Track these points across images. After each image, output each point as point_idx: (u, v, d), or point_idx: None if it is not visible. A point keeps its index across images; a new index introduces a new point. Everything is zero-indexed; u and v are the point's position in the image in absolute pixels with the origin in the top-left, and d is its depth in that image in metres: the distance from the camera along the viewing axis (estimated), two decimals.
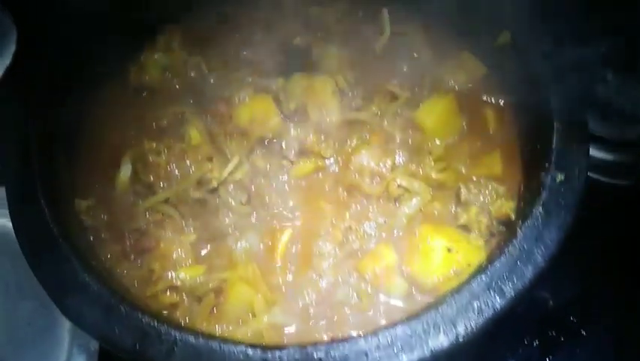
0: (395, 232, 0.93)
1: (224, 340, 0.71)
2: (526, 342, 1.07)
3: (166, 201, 0.93)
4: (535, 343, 1.07)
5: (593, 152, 1.22)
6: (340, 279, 0.88)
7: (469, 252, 0.87)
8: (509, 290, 0.73)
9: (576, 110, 0.90)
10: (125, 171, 0.99)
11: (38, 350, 0.95)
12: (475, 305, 0.72)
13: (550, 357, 1.06)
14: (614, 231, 1.16)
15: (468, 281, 0.74)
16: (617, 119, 1.24)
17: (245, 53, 1.15)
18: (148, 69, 1.12)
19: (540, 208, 0.80)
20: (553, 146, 0.86)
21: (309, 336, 0.83)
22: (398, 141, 1.02)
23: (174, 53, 1.14)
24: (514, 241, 0.77)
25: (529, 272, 0.75)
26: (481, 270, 0.77)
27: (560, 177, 0.83)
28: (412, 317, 0.71)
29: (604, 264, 1.15)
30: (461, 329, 0.71)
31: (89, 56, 1.06)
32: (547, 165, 0.84)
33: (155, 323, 0.72)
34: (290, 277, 0.88)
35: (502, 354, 1.07)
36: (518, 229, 0.79)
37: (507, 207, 0.89)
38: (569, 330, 1.08)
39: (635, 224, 1.16)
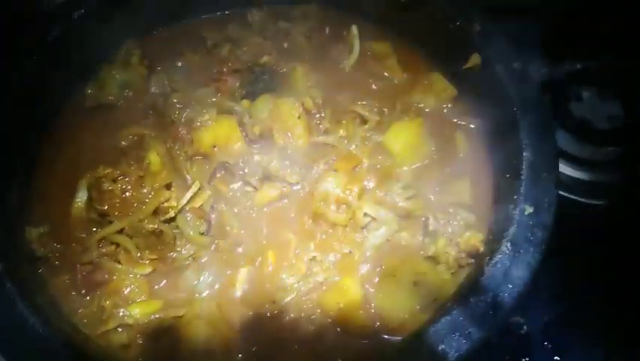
0: (361, 264, 0.89)
1: None
2: None
3: (120, 231, 0.88)
4: None
5: (568, 171, 1.22)
6: (304, 315, 0.84)
7: (436, 286, 0.84)
8: (475, 333, 0.71)
9: (546, 136, 0.88)
10: (81, 198, 0.94)
11: None
12: (440, 349, 0.69)
13: None
14: (591, 251, 1.14)
15: (433, 323, 0.71)
16: (591, 138, 1.22)
17: (209, 72, 1.11)
18: (106, 86, 1.08)
19: (508, 243, 0.78)
20: (523, 176, 0.84)
21: None
22: (366, 166, 0.99)
23: (134, 68, 1.09)
24: (481, 279, 0.75)
25: (497, 313, 0.73)
26: (446, 310, 0.74)
27: (528, 209, 0.81)
28: None
29: (581, 286, 1.12)
30: None
31: (46, 75, 1.02)
32: (515, 196, 0.82)
33: None
34: (250, 314, 0.84)
35: None
36: (485, 266, 0.76)
37: (476, 239, 0.86)
38: (543, 356, 1.05)
39: (609, 245, 1.14)
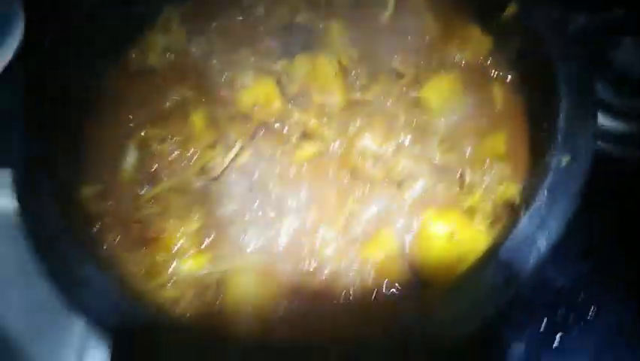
0: (398, 216, 0.92)
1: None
2: (536, 321, 1.06)
3: (170, 189, 0.93)
4: (545, 321, 1.06)
5: (605, 121, 1.20)
6: (343, 266, 0.88)
7: (473, 237, 0.86)
8: (513, 278, 0.73)
9: (584, 86, 0.87)
10: (130, 159, 0.99)
11: (54, 335, 0.98)
12: (482, 293, 0.72)
13: (561, 334, 1.05)
14: (627, 205, 1.13)
15: (471, 271, 0.74)
16: (632, 88, 1.20)
17: (247, 32, 1.13)
18: (149, 51, 1.11)
19: (544, 193, 0.78)
20: (559, 126, 0.83)
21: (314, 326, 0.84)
22: (402, 121, 1.00)
23: (174, 33, 1.13)
24: (518, 227, 0.76)
25: (532, 260, 0.74)
26: (484, 259, 0.76)
27: (565, 160, 0.81)
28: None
29: (613, 238, 1.12)
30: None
31: (89, 42, 1.05)
32: (552, 147, 0.82)
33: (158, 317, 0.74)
34: (292, 266, 0.88)
35: (507, 331, 1.06)
36: (522, 215, 0.78)
37: (512, 190, 0.87)
38: (579, 307, 1.06)
39: None
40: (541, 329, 1.04)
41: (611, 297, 1.06)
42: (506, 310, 1.05)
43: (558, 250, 1.05)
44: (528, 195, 0.83)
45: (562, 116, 0.84)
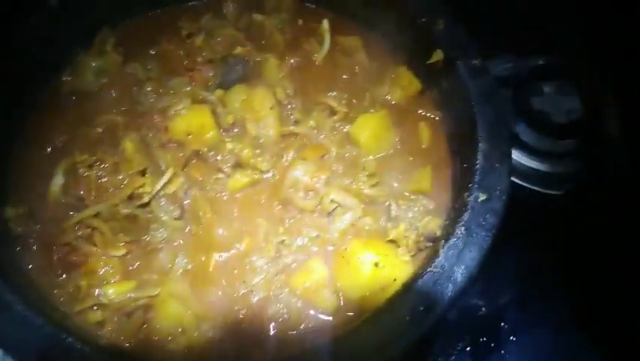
0: (327, 246, 0.95)
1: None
2: (459, 348, 1.10)
3: (96, 215, 0.91)
4: (468, 349, 1.11)
5: (528, 162, 1.29)
6: (272, 294, 0.89)
7: (396, 267, 0.90)
8: (432, 308, 0.77)
9: (501, 130, 0.94)
10: (57, 183, 0.97)
11: None
12: (396, 324, 0.75)
13: None
14: (549, 239, 1.21)
15: (390, 302, 0.77)
16: (551, 131, 1.29)
17: (184, 60, 1.14)
18: (82, 73, 1.10)
19: (462, 228, 0.83)
20: (477, 166, 0.89)
21: (240, 351, 0.84)
22: (334, 155, 1.04)
23: (109, 56, 1.12)
24: (437, 260, 0.80)
25: (449, 291, 0.78)
26: (405, 289, 0.79)
27: (482, 197, 0.86)
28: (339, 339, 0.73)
29: (536, 271, 1.19)
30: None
31: (22, 61, 1.04)
32: (470, 184, 0.88)
33: (80, 344, 0.72)
34: (221, 293, 0.89)
35: (436, 358, 1.10)
36: (441, 248, 0.82)
37: (434, 223, 0.92)
38: (500, 336, 1.12)
39: (566, 232, 1.21)
40: (464, 357, 1.09)
41: (530, 326, 1.13)
42: (432, 335, 1.10)
43: (482, 279, 1.13)
44: (448, 229, 0.88)
45: (480, 157, 0.90)
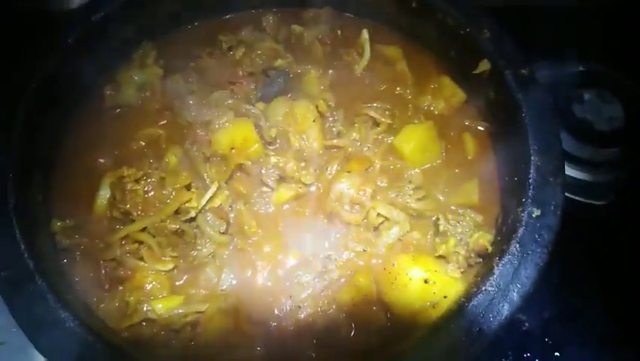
0: (374, 261, 0.93)
1: None
2: None
3: (143, 229, 0.91)
4: None
5: (570, 172, 1.25)
6: (319, 310, 0.88)
7: (446, 283, 0.88)
8: (487, 328, 0.74)
9: (553, 143, 0.91)
10: (103, 196, 0.98)
11: None
12: (454, 345, 0.73)
13: None
14: (591, 251, 1.18)
15: (446, 320, 0.75)
16: (592, 139, 1.26)
17: (225, 73, 1.14)
18: (124, 87, 1.11)
19: (517, 245, 0.81)
20: (530, 180, 0.87)
21: None
22: (378, 167, 1.02)
23: (150, 69, 1.12)
24: (491, 278, 0.78)
25: (505, 310, 0.76)
26: (458, 308, 0.77)
27: (536, 212, 0.84)
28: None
29: (580, 284, 1.16)
30: None
31: (65, 77, 1.05)
32: (523, 199, 0.85)
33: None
34: (268, 309, 0.88)
35: None
36: (495, 265, 0.80)
37: (485, 239, 0.90)
38: (544, 352, 1.08)
39: (611, 243, 1.18)
40: None
41: (574, 341, 1.10)
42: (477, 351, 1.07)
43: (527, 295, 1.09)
44: (500, 246, 0.86)
45: (532, 170, 0.88)
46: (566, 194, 1.21)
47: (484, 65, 1.03)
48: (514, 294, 0.78)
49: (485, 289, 0.78)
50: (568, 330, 1.11)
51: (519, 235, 0.82)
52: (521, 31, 1.41)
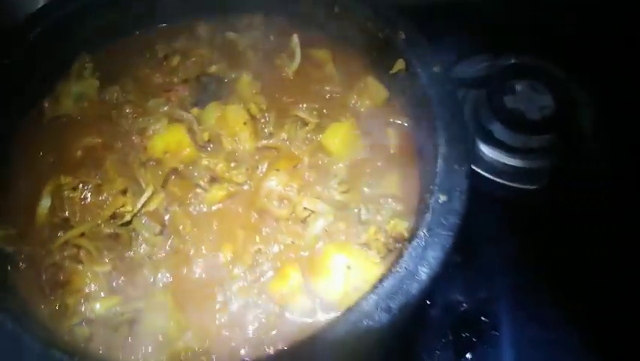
0: (302, 252, 1.00)
1: None
2: (442, 343, 1.15)
3: (82, 235, 0.97)
4: (451, 344, 1.15)
5: (505, 159, 1.35)
6: (251, 301, 0.94)
7: (367, 269, 0.95)
8: (396, 307, 0.81)
9: (459, 135, 0.99)
10: (44, 205, 1.02)
11: None
12: (365, 323, 0.80)
13: (466, 357, 1.14)
14: (526, 233, 1.27)
15: (359, 300, 0.82)
16: (524, 128, 1.35)
17: (160, 81, 1.20)
18: (63, 99, 1.16)
19: (424, 229, 0.88)
20: (438, 169, 0.95)
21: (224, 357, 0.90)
22: (307, 164, 1.09)
23: (87, 81, 1.17)
24: (401, 260, 0.86)
25: (414, 289, 0.83)
26: (372, 288, 0.84)
27: (442, 198, 0.91)
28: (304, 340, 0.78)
29: (514, 265, 1.24)
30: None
31: (10, 88, 1.10)
32: (431, 186, 0.93)
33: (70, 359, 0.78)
34: (201, 303, 0.94)
35: (420, 354, 1.14)
36: (404, 249, 0.87)
37: (401, 226, 0.97)
38: (482, 331, 1.16)
39: (542, 227, 1.27)
40: (447, 352, 1.14)
41: (511, 320, 1.18)
42: (415, 331, 1.16)
43: (462, 276, 1.18)
44: (413, 231, 0.93)
45: (440, 160, 0.95)
46: (502, 180, 1.33)
47: (400, 65, 1.11)
48: (423, 274, 0.85)
49: (396, 271, 0.85)
50: (504, 310, 1.19)
51: (427, 219, 0.89)
52: (459, 26, 1.52)
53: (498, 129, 1.36)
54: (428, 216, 0.90)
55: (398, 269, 0.85)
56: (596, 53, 1.47)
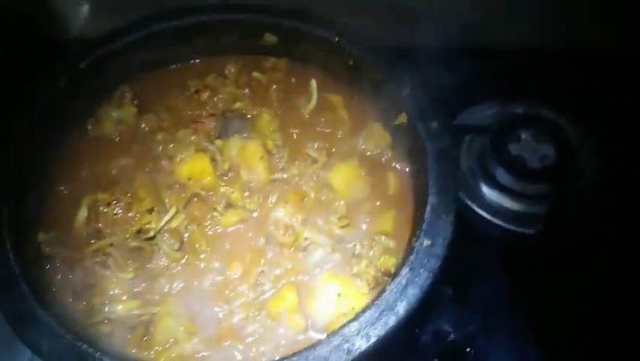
0: (300, 277, 1.13)
1: None
2: None
3: (111, 245, 1.12)
4: None
5: (506, 203, 1.44)
6: (250, 315, 1.07)
7: (356, 297, 1.08)
8: (374, 335, 0.94)
9: (448, 186, 1.11)
10: (81, 215, 1.16)
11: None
12: (345, 347, 0.93)
13: None
14: (516, 274, 1.35)
15: (342, 327, 0.95)
16: (525, 175, 1.43)
17: (191, 113, 1.35)
18: (104, 121, 1.31)
19: (407, 268, 1.01)
20: (426, 216, 1.07)
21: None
22: (312, 198, 1.22)
23: (126, 108, 1.32)
24: (383, 294, 0.98)
25: (391, 321, 0.96)
26: (355, 316, 0.97)
27: (426, 242, 1.04)
28: (292, 355, 0.91)
29: (504, 303, 1.32)
30: None
31: (59, 110, 1.26)
32: (418, 231, 1.06)
33: (92, 351, 0.92)
34: (208, 312, 1.07)
35: None
36: (387, 285, 1.00)
37: (389, 262, 1.09)
38: (466, 360, 1.25)
39: (535, 270, 1.36)
40: None
41: (495, 351, 1.27)
42: (403, 356, 1.25)
43: (454, 310, 1.28)
44: (399, 268, 1.06)
45: (428, 208, 1.08)
46: (500, 222, 1.43)
47: (402, 118, 1.24)
48: (401, 309, 0.97)
49: (378, 303, 0.98)
50: (488, 343, 1.28)
51: (410, 260, 1.02)
52: (470, 71, 1.63)
53: (500, 174, 1.44)
54: (412, 258, 1.02)
55: (379, 302, 0.97)
56: (603, 102, 1.56)
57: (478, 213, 1.44)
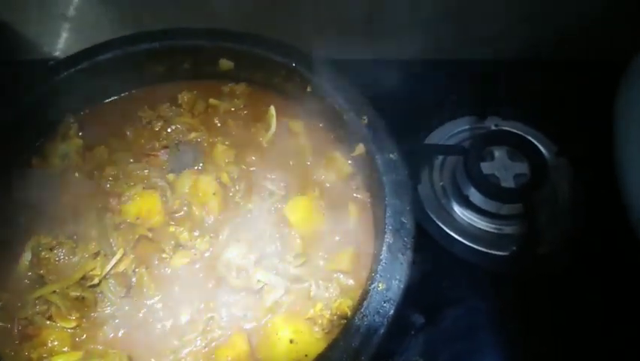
0: (252, 322, 1.08)
1: None
2: None
3: (54, 292, 1.06)
4: None
5: (476, 223, 1.41)
6: None
7: (309, 344, 1.03)
8: None
9: (405, 222, 1.06)
10: (26, 258, 1.11)
11: None
12: None
13: None
14: (489, 300, 1.32)
15: None
16: (498, 195, 1.39)
17: (143, 145, 1.29)
18: (49, 156, 1.25)
19: (360, 315, 0.96)
20: (381, 256, 1.02)
21: None
22: (267, 235, 1.17)
23: (72, 141, 1.26)
24: (337, 340, 0.94)
25: None
26: None
27: (381, 286, 0.99)
28: None
29: (476, 330, 1.29)
30: None
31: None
32: (373, 273, 1.01)
33: None
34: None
35: None
36: (344, 328, 0.95)
37: (345, 305, 1.05)
38: None
39: (510, 292, 1.32)
40: None
41: None
42: None
43: (424, 337, 1.24)
44: (355, 311, 1.01)
45: (384, 248, 1.03)
46: (473, 245, 1.39)
47: (360, 149, 1.19)
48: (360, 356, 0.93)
49: (330, 349, 0.93)
50: None
51: (364, 305, 0.97)
52: (446, 87, 1.58)
53: (473, 194, 1.41)
54: (365, 303, 0.97)
55: (331, 351, 0.93)
56: (578, 116, 1.53)
57: (450, 236, 1.39)
